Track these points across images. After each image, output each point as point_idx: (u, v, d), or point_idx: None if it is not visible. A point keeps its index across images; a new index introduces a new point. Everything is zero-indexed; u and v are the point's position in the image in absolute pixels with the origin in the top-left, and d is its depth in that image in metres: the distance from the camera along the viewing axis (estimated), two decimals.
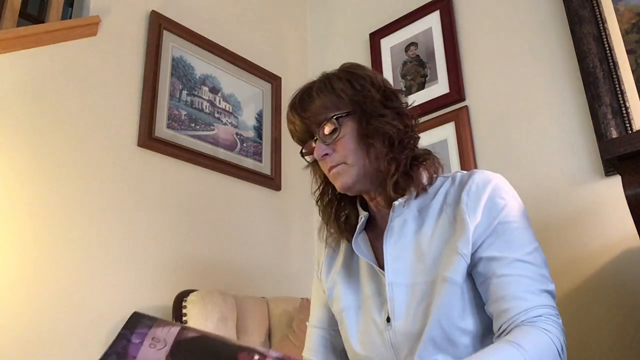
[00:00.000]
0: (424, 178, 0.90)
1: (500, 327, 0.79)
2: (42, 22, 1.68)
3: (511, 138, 1.65)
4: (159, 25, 1.81)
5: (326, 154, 0.90)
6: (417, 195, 0.89)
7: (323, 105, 0.90)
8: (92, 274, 1.43)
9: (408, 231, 0.90)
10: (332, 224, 0.99)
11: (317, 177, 1.03)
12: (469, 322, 0.82)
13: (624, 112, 1.41)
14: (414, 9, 2.03)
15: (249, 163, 1.96)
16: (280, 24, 2.35)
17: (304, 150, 0.98)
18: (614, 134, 1.40)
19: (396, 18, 2.08)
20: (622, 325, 1.30)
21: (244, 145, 1.98)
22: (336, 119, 0.89)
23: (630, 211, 0.97)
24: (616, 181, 1.31)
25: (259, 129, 2.06)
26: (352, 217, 0.99)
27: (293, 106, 0.94)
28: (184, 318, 1.30)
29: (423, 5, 2.01)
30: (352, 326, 0.93)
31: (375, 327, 0.89)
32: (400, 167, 0.88)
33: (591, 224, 1.41)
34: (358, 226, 0.95)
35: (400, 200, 0.88)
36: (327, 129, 0.90)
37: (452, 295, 0.81)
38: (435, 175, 0.91)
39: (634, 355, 1.26)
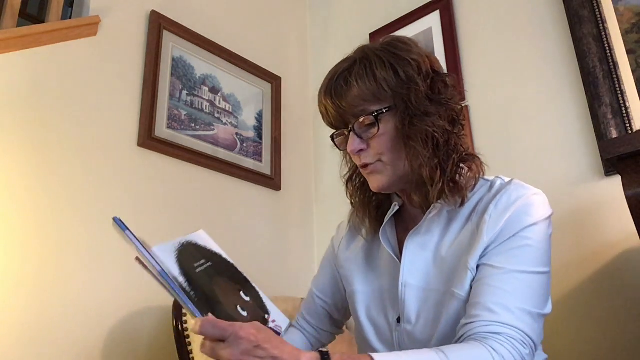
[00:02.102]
0: (468, 184, 0.82)
1: (457, 333, 0.74)
2: (42, 22, 1.68)
3: (511, 138, 1.65)
4: (159, 25, 1.81)
5: (361, 150, 0.83)
6: (461, 204, 0.81)
7: (361, 95, 0.80)
8: (92, 273, 1.43)
9: (434, 233, 0.84)
10: (360, 209, 0.93)
11: (346, 159, 0.96)
12: None
13: (624, 112, 1.42)
14: (414, 9, 2.04)
15: (249, 163, 1.96)
16: (280, 24, 2.35)
17: (335, 136, 0.89)
18: (614, 134, 1.40)
19: (396, 18, 2.08)
20: (622, 325, 1.30)
21: (244, 145, 1.98)
22: (375, 116, 0.80)
23: (630, 211, 0.97)
24: (616, 181, 1.31)
25: (259, 129, 2.06)
26: (383, 204, 0.93)
27: (327, 91, 0.84)
28: (183, 318, 1.30)
29: (423, 5, 2.01)
30: (362, 312, 0.90)
31: (386, 322, 0.86)
32: (447, 175, 0.79)
33: (591, 224, 1.41)
34: (388, 214, 0.89)
35: (441, 203, 0.81)
36: (364, 124, 0.81)
37: (461, 312, 0.77)
38: (476, 180, 0.83)
39: (634, 355, 1.26)
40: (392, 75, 0.80)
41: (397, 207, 0.89)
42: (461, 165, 0.82)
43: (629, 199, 0.97)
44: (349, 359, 0.65)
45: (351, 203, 0.96)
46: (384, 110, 0.80)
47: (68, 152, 1.48)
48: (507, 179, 0.86)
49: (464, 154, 0.82)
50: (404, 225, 0.91)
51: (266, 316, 0.84)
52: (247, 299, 0.84)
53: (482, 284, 0.74)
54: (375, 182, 0.84)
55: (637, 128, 1.40)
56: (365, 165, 0.84)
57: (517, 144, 1.63)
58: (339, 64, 0.86)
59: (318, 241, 2.11)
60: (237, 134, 1.97)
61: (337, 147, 0.91)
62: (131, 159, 1.62)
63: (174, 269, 0.76)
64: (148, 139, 1.65)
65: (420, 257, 0.83)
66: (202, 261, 0.83)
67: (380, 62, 0.81)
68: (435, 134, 0.78)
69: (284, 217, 2.04)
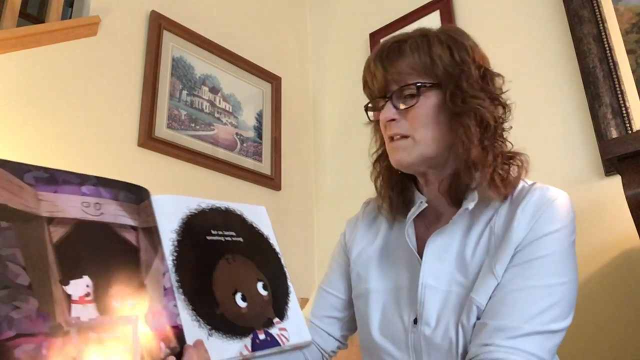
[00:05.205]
0: (515, 182, 0.79)
1: (469, 350, 0.72)
2: (42, 22, 1.68)
3: (511, 138, 1.64)
4: (159, 25, 1.81)
5: (393, 120, 0.80)
6: (504, 198, 0.79)
7: (412, 65, 0.79)
8: None
9: (456, 233, 0.80)
10: (385, 192, 0.89)
11: (377, 137, 0.92)
12: None
13: (624, 112, 1.42)
14: (414, 9, 2.04)
15: (249, 163, 1.96)
16: (280, 24, 2.35)
17: (370, 105, 0.87)
18: (614, 134, 1.40)
19: (396, 18, 2.08)
20: (622, 325, 1.30)
21: (244, 145, 1.98)
22: (418, 87, 0.79)
23: (630, 211, 0.98)
24: (616, 181, 1.31)
25: (259, 129, 2.06)
26: (407, 193, 0.89)
27: (379, 56, 0.82)
28: None
29: (423, 5, 2.01)
30: (375, 312, 0.85)
31: (401, 322, 0.81)
32: (498, 159, 0.78)
33: (591, 224, 1.41)
34: (412, 211, 0.84)
35: (472, 204, 0.78)
36: (404, 94, 0.79)
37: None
38: (517, 181, 0.80)
39: (634, 355, 1.26)
40: (448, 54, 0.79)
41: (424, 206, 0.84)
42: (511, 161, 0.81)
43: (629, 199, 0.97)
44: None
45: (376, 184, 0.92)
46: (428, 85, 0.79)
47: (68, 152, 1.48)
48: (529, 182, 0.83)
49: (509, 149, 0.83)
50: (424, 221, 0.87)
51: (275, 320, 0.76)
52: (264, 293, 0.77)
53: (494, 302, 0.72)
54: (397, 156, 0.81)
55: (637, 128, 1.40)
56: (392, 137, 0.81)
57: (517, 144, 1.62)
58: (394, 36, 0.84)
59: (318, 241, 2.11)
60: (237, 134, 1.97)
61: (370, 120, 0.90)
62: (131, 159, 1.62)
63: (171, 223, 0.69)
64: (148, 139, 1.65)
65: (442, 258, 0.80)
66: (230, 233, 0.75)
67: (438, 40, 0.80)
68: (486, 116, 0.77)
69: (284, 217, 2.04)
